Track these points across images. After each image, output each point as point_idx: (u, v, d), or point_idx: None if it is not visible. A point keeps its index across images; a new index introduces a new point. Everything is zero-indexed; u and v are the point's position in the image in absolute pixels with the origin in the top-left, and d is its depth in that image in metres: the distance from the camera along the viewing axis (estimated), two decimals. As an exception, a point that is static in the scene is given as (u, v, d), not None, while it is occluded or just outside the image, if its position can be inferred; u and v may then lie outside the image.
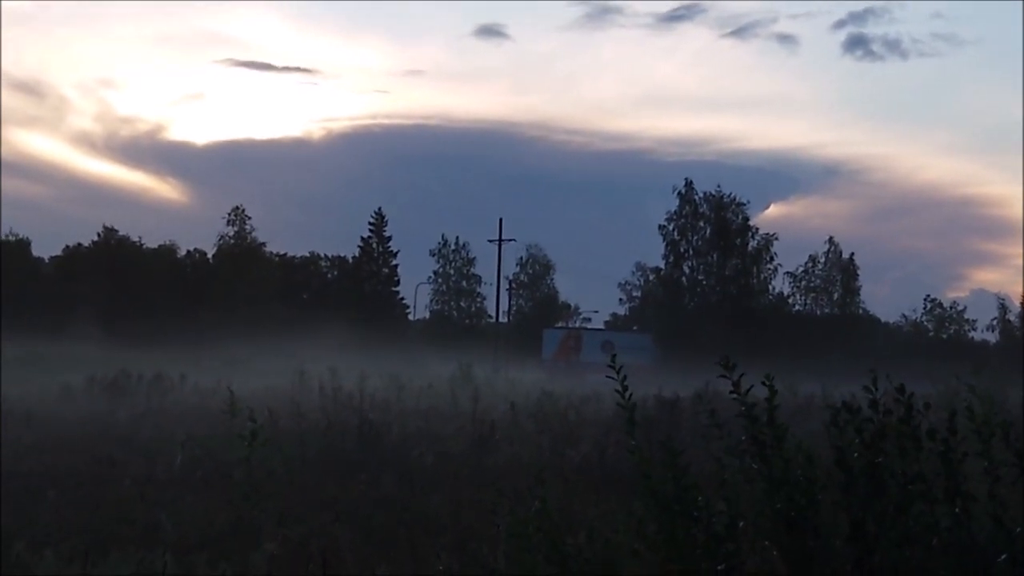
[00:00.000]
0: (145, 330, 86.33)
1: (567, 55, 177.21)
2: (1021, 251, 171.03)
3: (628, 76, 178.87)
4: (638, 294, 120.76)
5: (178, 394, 36.62)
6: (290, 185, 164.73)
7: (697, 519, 7.32)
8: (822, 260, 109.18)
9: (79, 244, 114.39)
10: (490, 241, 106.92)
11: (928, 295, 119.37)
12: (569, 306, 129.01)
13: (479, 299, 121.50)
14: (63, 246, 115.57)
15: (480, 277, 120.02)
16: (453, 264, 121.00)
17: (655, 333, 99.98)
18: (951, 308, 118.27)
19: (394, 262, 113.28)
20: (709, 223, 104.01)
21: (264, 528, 12.69)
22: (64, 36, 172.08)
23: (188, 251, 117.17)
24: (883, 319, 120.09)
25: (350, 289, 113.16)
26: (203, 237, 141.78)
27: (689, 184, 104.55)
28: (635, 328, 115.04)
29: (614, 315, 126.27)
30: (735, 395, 7.53)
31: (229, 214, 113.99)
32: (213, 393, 32.36)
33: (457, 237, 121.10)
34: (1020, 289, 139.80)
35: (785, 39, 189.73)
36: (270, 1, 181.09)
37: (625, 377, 7.81)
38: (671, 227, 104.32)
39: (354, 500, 15.21)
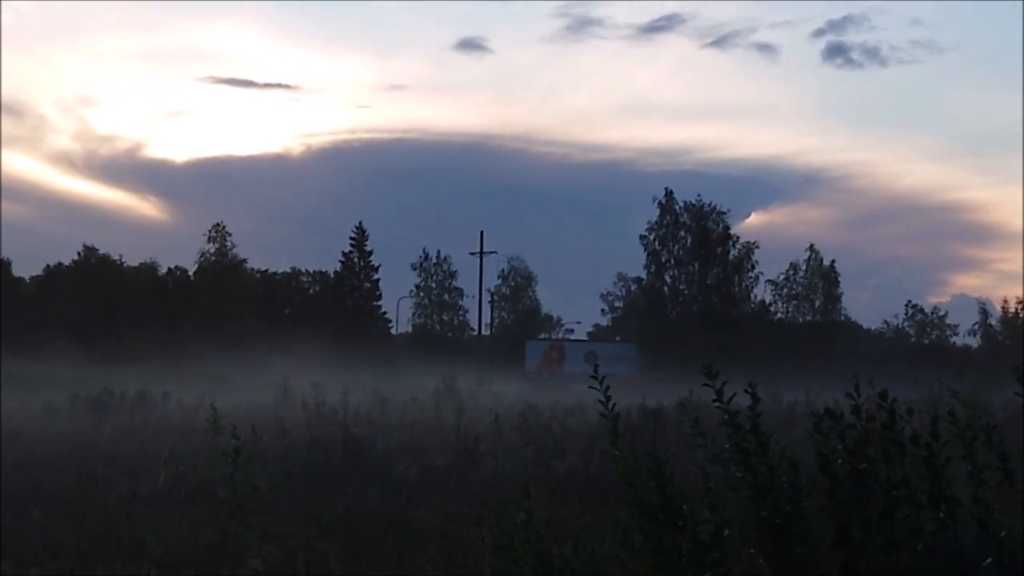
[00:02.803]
0: (127, 348, 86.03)
1: (548, 67, 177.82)
2: (1002, 256, 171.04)
3: (609, 87, 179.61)
4: (620, 304, 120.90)
5: (161, 411, 36.63)
6: (271, 201, 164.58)
7: (683, 528, 7.32)
8: (803, 268, 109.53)
9: (59, 263, 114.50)
10: (471, 254, 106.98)
11: (909, 301, 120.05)
12: (552, 318, 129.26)
13: (461, 312, 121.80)
14: (43, 266, 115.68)
15: (462, 290, 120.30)
16: (435, 277, 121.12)
17: (638, 343, 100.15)
18: (932, 313, 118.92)
19: (376, 276, 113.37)
20: (690, 233, 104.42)
21: (249, 544, 12.66)
22: (43, 55, 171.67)
23: (169, 269, 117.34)
24: (865, 325, 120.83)
25: (332, 304, 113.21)
26: (184, 254, 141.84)
27: (669, 194, 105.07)
28: (618, 338, 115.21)
29: (596, 326, 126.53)
30: (718, 403, 7.54)
31: (210, 231, 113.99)
32: (196, 410, 32.39)
33: (438, 250, 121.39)
34: (1001, 294, 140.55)
35: (765, 48, 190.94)
36: (252, 18, 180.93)
37: (608, 387, 7.81)
38: (652, 237, 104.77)
39: (339, 515, 15.18)
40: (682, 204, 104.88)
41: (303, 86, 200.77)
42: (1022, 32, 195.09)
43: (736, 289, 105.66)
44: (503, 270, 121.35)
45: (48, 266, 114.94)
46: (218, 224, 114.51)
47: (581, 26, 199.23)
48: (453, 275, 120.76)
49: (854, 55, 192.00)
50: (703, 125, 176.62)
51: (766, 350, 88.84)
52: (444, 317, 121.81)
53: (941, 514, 6.94)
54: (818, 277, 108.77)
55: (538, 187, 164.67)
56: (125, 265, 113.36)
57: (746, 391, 7.58)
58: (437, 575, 10.82)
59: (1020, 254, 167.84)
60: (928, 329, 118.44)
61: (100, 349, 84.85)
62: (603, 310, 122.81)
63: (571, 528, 10.90)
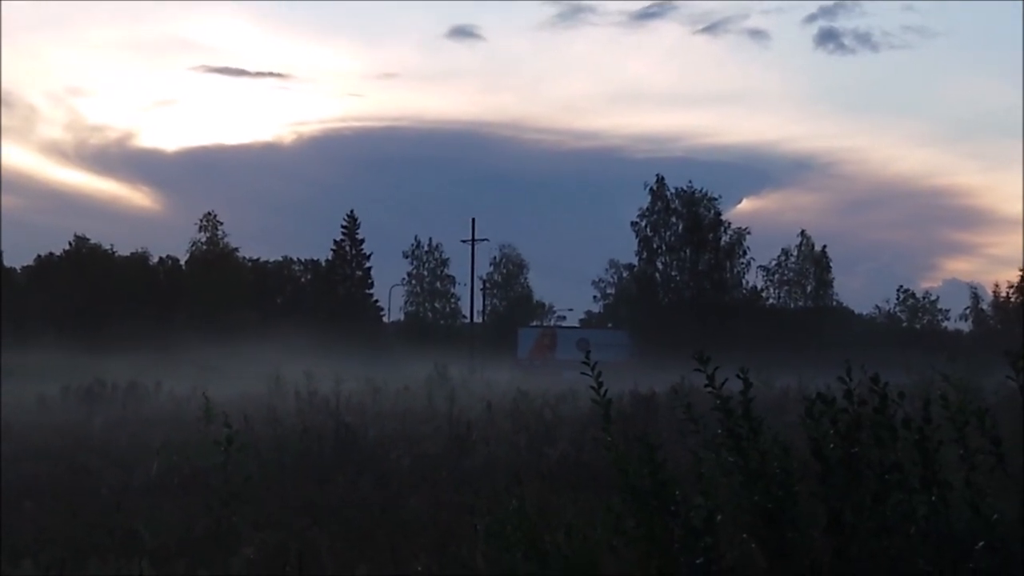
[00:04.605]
0: (119, 338, 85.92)
1: (539, 54, 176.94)
2: (993, 240, 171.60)
3: (600, 74, 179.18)
4: (612, 291, 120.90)
5: (153, 402, 36.60)
6: (262, 190, 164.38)
7: (675, 513, 7.32)
8: (794, 253, 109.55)
9: (51, 253, 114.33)
10: (463, 241, 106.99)
11: (901, 286, 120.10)
12: (543, 305, 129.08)
13: (453, 300, 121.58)
14: (35, 256, 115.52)
15: (454, 278, 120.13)
16: (426, 265, 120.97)
17: (630, 330, 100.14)
18: (924, 298, 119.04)
19: (367, 265, 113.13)
20: (681, 219, 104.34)
21: (242, 533, 12.66)
22: (32, 45, 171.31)
23: (160, 258, 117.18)
24: (857, 311, 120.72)
25: (324, 293, 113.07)
26: (175, 244, 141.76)
27: (661, 180, 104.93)
28: (610, 325, 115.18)
29: (588, 313, 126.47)
30: (710, 389, 7.54)
31: (201, 220, 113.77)
32: (188, 400, 32.33)
33: (430, 238, 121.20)
34: (992, 278, 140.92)
35: (757, 34, 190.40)
36: (243, 7, 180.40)
37: (600, 374, 7.80)
38: (644, 224, 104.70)
39: (332, 503, 15.18)
40: (673, 190, 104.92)
41: (295, 75, 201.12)
42: (1021, 19, 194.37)
43: (728, 275, 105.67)
44: (495, 257, 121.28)
45: (39, 256, 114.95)
46: (209, 213, 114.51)
47: (573, 13, 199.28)
48: (445, 263, 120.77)
49: (846, 41, 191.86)
50: (694, 111, 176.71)
51: (758, 336, 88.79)
52: (436, 305, 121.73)
53: (933, 498, 6.94)
54: (809, 262, 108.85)
55: (529, 175, 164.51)
56: (116, 255, 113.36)
57: (738, 376, 7.58)
58: (430, 564, 10.80)
59: (1010, 239, 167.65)
60: (919, 314, 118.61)
61: (91, 339, 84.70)
62: (595, 297, 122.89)
63: (563, 515, 10.90)
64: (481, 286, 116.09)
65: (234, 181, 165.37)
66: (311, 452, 19.56)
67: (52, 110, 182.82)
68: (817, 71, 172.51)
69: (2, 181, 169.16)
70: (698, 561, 7.17)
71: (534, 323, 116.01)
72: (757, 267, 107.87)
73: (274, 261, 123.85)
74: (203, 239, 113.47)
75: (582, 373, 7.92)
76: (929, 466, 6.98)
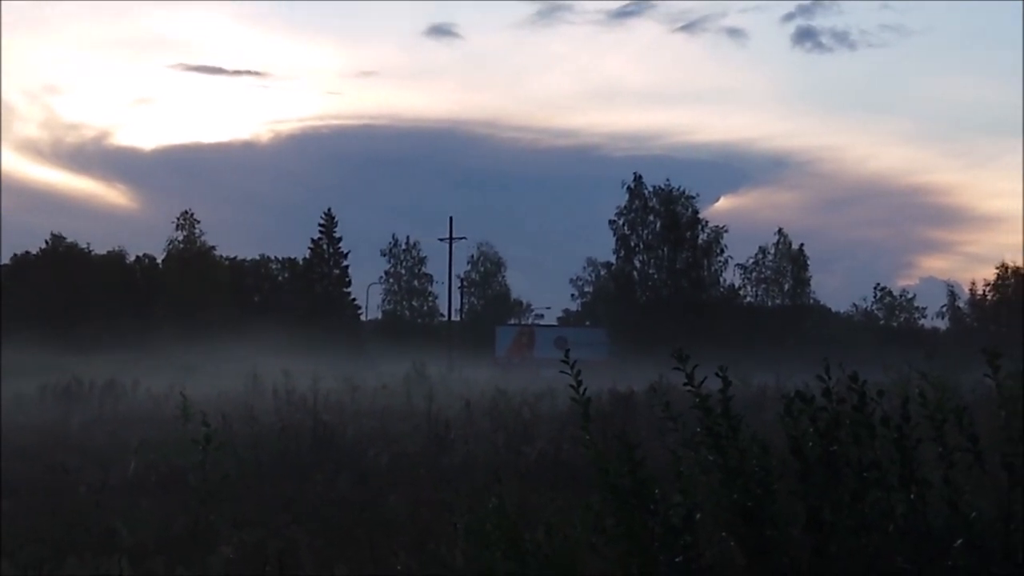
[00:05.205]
0: (96, 337, 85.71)
1: (518, 53, 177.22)
2: (970, 238, 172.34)
3: (578, 72, 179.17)
4: (590, 290, 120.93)
5: (131, 400, 36.44)
6: (239, 188, 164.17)
7: (654, 512, 7.32)
8: (772, 251, 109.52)
9: (27, 252, 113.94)
10: (441, 240, 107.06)
11: (878, 284, 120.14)
12: (521, 303, 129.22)
13: (431, 298, 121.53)
14: (11, 255, 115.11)
15: (432, 276, 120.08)
16: (404, 264, 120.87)
17: (608, 328, 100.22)
18: (901, 296, 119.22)
19: (345, 263, 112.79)
20: (659, 217, 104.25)
21: (221, 531, 12.65)
22: (7, 42, 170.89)
23: (137, 256, 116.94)
24: (834, 309, 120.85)
25: (301, 291, 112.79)
26: (152, 242, 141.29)
27: (638, 178, 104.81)
28: (588, 323, 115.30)
29: (566, 311, 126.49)
30: (689, 387, 7.54)
31: (178, 218, 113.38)
32: (166, 398, 32.23)
33: (408, 236, 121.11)
34: (969, 276, 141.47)
35: (734, 33, 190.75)
36: (221, 4, 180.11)
37: (579, 372, 7.80)
38: (621, 222, 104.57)
39: (311, 502, 15.18)
40: (651, 188, 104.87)
41: (272, 73, 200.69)
42: (1022, 19, 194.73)
43: (705, 273, 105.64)
44: (472, 256, 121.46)
45: (15, 255, 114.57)
46: (186, 211, 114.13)
47: (551, 11, 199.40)
48: (422, 261, 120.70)
49: (823, 39, 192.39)
50: (672, 110, 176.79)
51: (736, 334, 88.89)
52: (414, 303, 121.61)
53: (912, 496, 6.96)
54: (787, 260, 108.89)
55: (507, 173, 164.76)
56: (93, 253, 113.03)
57: (717, 375, 7.59)
58: (409, 562, 10.81)
59: (987, 236, 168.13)
60: (897, 312, 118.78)
61: (68, 338, 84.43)
62: (573, 295, 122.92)
63: (542, 513, 10.91)
64: (459, 284, 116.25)
65: (211, 179, 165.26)
66: (289, 450, 19.56)
67: (28, 108, 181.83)
68: (795, 70, 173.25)
69: (1, 182, 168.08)
70: (677, 559, 7.18)
71: (512, 321, 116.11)
72: (735, 265, 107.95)
73: (251, 259, 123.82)
74: (180, 237, 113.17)
75: (560, 371, 7.91)
76: (907, 464, 6.99)
